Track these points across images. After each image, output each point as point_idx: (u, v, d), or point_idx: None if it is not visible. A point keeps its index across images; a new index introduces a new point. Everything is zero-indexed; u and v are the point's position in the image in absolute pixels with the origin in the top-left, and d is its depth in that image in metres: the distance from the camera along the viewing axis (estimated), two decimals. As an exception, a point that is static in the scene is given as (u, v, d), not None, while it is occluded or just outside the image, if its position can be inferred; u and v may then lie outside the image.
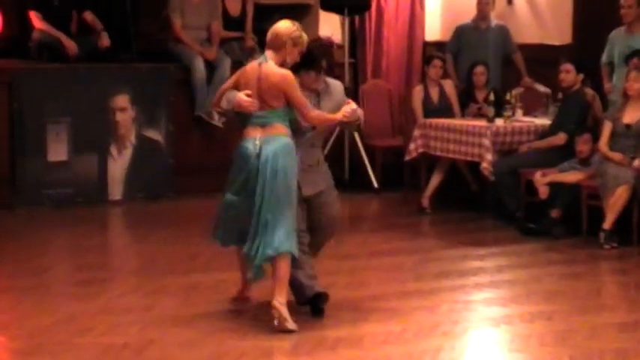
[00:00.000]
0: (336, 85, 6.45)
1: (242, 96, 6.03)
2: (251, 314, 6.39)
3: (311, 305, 6.26)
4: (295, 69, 6.11)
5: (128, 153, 10.12)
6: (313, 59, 6.19)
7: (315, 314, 6.24)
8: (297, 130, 6.15)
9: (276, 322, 5.94)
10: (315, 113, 6.10)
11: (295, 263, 6.08)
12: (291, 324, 5.94)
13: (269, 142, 5.98)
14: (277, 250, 5.92)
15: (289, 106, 6.06)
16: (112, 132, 10.04)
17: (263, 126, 6.03)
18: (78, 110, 9.82)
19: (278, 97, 6.01)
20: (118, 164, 10.07)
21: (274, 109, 6.03)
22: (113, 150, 10.05)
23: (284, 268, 5.97)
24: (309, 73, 6.19)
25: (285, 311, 5.93)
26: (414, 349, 5.77)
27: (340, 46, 11.00)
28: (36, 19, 9.98)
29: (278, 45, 6.09)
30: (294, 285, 6.18)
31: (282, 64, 6.07)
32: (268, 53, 6.12)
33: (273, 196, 5.93)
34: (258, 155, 5.96)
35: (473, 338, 6.23)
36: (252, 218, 6.00)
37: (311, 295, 6.22)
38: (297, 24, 6.20)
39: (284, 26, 6.15)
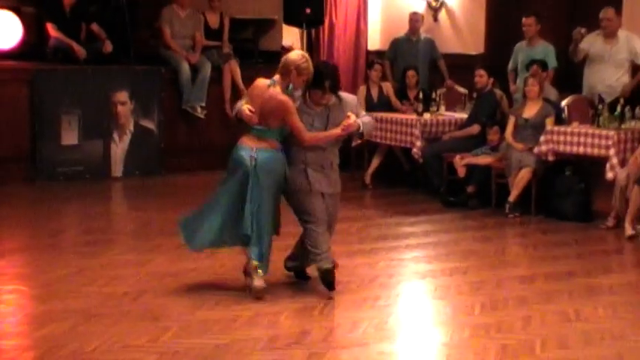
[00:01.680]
0: (349, 100, 5.90)
1: (245, 109, 5.68)
2: (226, 269, 6.35)
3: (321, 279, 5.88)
4: (306, 86, 5.70)
5: (127, 138, 10.03)
6: (319, 79, 5.64)
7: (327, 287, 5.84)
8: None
9: (248, 284, 5.75)
10: (308, 136, 5.64)
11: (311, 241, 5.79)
12: (257, 281, 5.71)
13: (262, 153, 5.60)
14: (258, 258, 5.66)
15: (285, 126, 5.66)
16: (114, 121, 9.94)
17: (259, 138, 5.66)
18: (86, 103, 9.72)
19: (276, 118, 5.61)
20: (119, 147, 9.99)
21: (271, 127, 5.64)
22: (115, 136, 9.96)
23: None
24: (315, 91, 5.67)
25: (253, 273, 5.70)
26: (357, 297, 5.80)
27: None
28: (52, 29, 9.90)
29: (285, 71, 5.65)
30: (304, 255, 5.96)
31: (287, 88, 5.67)
32: (277, 77, 5.69)
33: (261, 198, 5.60)
34: (253, 164, 5.58)
35: (404, 288, 6.26)
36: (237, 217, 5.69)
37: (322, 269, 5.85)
38: (306, 56, 5.75)
39: (293, 56, 5.69)
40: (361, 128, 5.76)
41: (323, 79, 5.65)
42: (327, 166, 5.80)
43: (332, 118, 5.75)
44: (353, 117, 5.73)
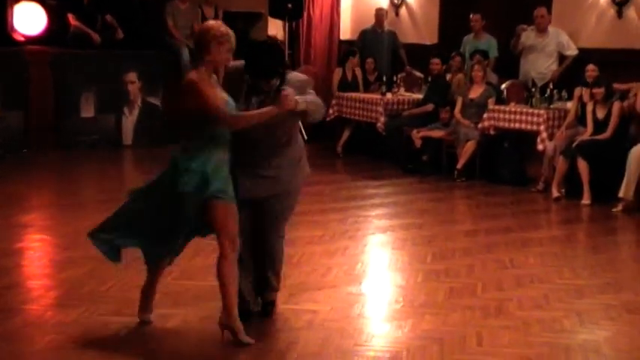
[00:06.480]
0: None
1: None
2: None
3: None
4: None
5: (136, 112, 9.97)
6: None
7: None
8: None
9: None
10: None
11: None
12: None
13: None
14: None
15: None
16: (125, 98, 9.87)
17: None
18: (101, 82, 9.65)
19: None
20: (129, 120, 9.93)
21: None
22: (126, 110, 9.90)
23: None
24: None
25: None
26: (330, 248, 5.81)
27: (282, 42, 10.87)
28: (72, 19, 9.76)
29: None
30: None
31: None
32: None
33: None
34: None
35: (369, 240, 6.27)
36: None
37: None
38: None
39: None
40: (304, 106, 4.08)
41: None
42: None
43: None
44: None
